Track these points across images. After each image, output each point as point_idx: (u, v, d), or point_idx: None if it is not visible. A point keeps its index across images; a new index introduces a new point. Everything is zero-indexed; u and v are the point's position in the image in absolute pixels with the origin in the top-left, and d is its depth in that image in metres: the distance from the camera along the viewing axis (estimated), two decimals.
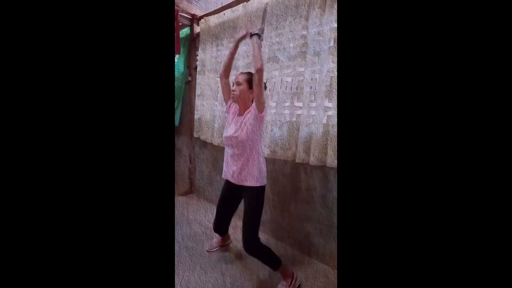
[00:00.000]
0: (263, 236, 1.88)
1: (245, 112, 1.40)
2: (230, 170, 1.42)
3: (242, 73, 1.45)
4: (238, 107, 1.44)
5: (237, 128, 1.39)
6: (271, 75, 1.79)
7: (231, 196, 1.50)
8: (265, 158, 1.51)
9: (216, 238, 1.73)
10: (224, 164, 1.48)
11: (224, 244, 1.73)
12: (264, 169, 1.42)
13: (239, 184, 1.40)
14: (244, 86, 1.39)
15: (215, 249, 1.69)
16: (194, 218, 2.15)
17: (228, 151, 1.44)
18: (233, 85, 1.42)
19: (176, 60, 2.58)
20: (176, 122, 2.77)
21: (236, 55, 1.61)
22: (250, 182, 1.37)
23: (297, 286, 1.40)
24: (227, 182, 1.49)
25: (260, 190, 1.39)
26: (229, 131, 1.42)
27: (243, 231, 1.36)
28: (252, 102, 1.40)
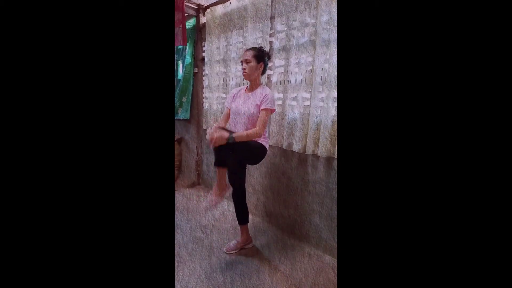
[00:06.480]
0: (271, 228, 1.88)
1: (255, 90, 1.50)
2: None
3: (248, 49, 1.50)
4: (248, 85, 1.55)
5: (245, 102, 1.49)
6: (279, 64, 1.76)
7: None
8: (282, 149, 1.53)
9: (235, 240, 1.63)
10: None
11: (244, 247, 1.61)
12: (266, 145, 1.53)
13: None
14: (253, 63, 1.46)
15: (233, 252, 1.58)
16: (200, 210, 2.16)
17: (233, 120, 1.54)
18: (242, 64, 1.48)
19: (186, 51, 2.56)
20: (187, 116, 2.69)
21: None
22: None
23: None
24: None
25: (253, 147, 1.45)
26: (236, 104, 1.54)
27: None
28: (261, 77, 1.53)
